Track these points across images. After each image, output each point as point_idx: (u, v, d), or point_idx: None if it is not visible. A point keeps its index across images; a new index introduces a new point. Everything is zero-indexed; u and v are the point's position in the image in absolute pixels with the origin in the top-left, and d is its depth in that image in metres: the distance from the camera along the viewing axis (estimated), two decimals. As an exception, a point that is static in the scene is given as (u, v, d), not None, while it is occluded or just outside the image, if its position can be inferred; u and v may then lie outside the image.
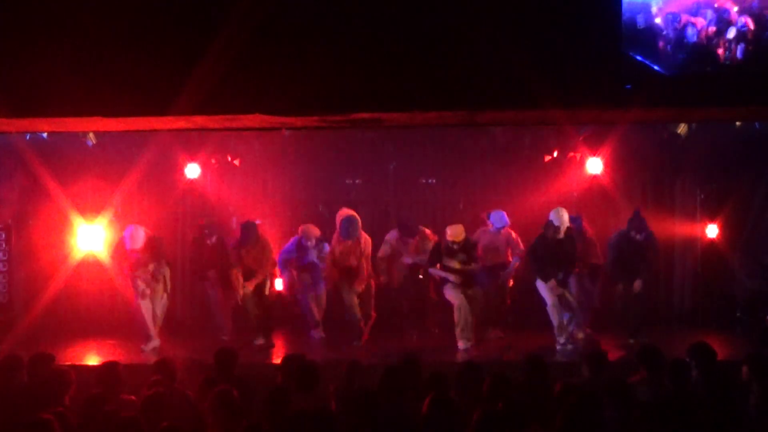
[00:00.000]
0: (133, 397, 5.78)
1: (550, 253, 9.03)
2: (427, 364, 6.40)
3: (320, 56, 6.44)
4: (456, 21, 6.35)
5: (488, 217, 9.90)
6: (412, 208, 11.16)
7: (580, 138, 10.50)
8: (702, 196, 10.98)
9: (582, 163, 10.76)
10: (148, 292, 9.26)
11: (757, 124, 9.77)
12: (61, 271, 10.46)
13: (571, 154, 10.91)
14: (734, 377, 5.85)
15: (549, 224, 9.07)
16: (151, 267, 9.27)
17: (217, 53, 6.37)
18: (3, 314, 10.00)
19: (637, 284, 9.28)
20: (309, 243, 9.80)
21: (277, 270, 9.95)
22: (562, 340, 8.99)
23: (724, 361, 6.51)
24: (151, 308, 9.31)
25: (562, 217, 9.04)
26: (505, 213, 9.80)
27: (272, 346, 9.36)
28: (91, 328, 10.44)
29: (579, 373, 6.24)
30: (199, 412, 5.29)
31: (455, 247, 9.10)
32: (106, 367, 6.18)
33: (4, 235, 10.17)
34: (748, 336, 9.52)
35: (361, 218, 9.77)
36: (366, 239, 9.71)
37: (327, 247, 9.88)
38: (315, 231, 9.86)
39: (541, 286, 9.12)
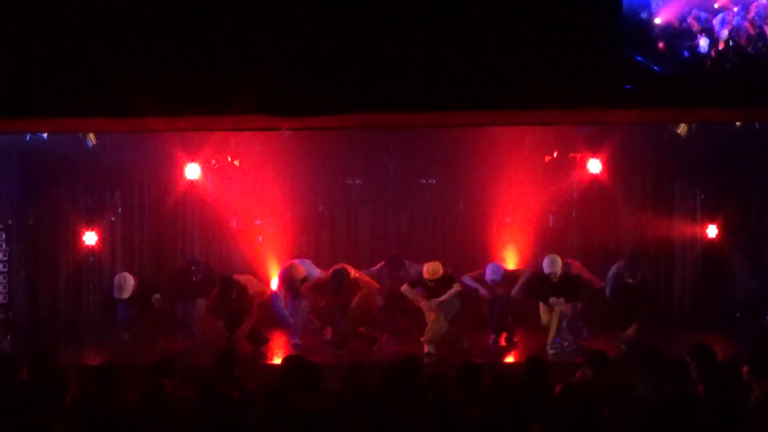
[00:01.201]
0: (133, 397, 5.78)
1: (548, 290, 9.00)
2: (427, 364, 6.40)
3: (321, 56, 6.45)
4: (456, 21, 6.36)
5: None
6: (412, 208, 11.16)
7: (580, 138, 10.50)
8: (702, 196, 10.96)
9: (582, 163, 10.75)
10: None
11: (756, 124, 9.76)
12: (61, 271, 10.48)
13: (571, 154, 10.90)
14: (734, 377, 5.85)
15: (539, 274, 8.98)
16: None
17: (218, 53, 6.38)
18: (3, 314, 10.00)
19: (631, 331, 8.76)
20: (294, 284, 9.59)
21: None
22: (558, 342, 8.99)
23: (724, 361, 6.52)
24: None
25: (555, 265, 8.89)
26: (501, 267, 9.59)
27: (266, 342, 9.25)
28: (91, 328, 10.43)
29: (580, 373, 6.24)
30: (199, 412, 5.28)
31: (430, 284, 8.93)
32: (106, 367, 6.18)
33: (4, 235, 10.15)
34: (748, 336, 9.51)
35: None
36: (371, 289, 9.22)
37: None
38: (300, 272, 9.58)
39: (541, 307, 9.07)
